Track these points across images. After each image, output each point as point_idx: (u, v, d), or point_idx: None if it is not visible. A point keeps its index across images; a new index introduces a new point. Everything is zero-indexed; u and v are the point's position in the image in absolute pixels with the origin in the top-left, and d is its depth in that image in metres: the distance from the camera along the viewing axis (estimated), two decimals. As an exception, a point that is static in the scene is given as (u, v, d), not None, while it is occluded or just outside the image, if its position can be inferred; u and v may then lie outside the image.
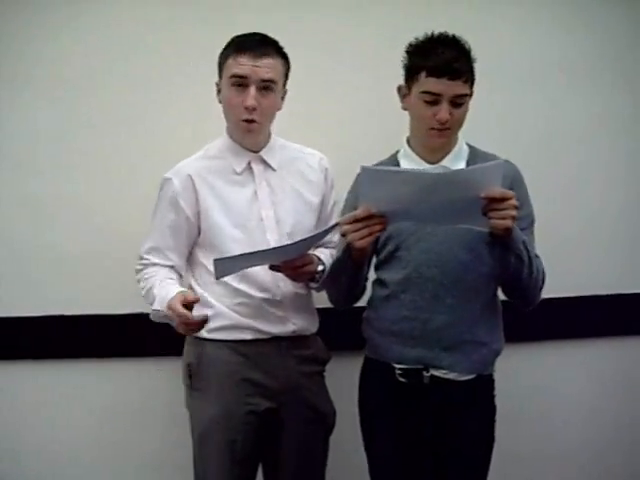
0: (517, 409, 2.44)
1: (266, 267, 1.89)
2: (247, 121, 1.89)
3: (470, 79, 1.85)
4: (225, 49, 1.92)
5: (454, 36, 1.87)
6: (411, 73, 1.87)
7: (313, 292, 2.04)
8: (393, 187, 1.62)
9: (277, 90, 1.91)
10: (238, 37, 1.92)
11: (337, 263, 1.87)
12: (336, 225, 1.76)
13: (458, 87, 1.81)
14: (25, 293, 2.31)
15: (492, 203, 1.63)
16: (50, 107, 2.30)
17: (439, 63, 1.80)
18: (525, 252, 1.77)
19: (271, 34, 1.94)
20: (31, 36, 2.29)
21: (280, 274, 1.90)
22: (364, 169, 1.63)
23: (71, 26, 2.30)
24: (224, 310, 1.92)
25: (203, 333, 1.91)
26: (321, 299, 2.07)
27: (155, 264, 1.95)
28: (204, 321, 1.77)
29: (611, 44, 2.47)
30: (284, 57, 1.92)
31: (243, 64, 1.85)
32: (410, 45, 1.89)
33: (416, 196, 1.62)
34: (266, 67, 1.86)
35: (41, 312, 2.29)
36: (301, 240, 1.81)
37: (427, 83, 1.82)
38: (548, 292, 2.09)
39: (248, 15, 2.28)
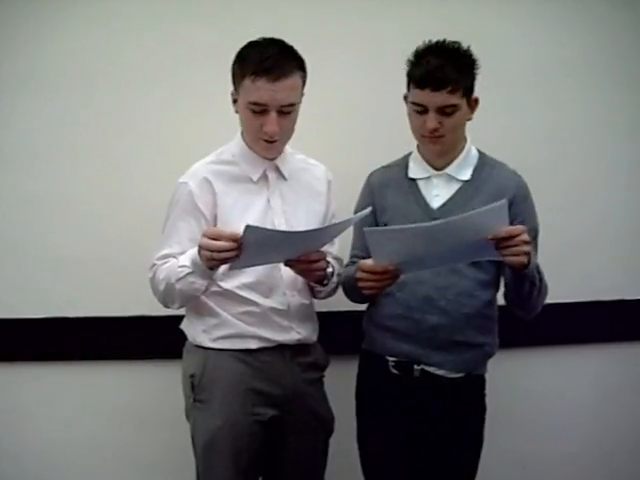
0: (518, 414, 2.46)
1: (272, 275, 1.89)
2: (267, 141, 1.87)
3: (460, 88, 1.83)
4: (240, 63, 1.84)
5: (449, 44, 1.86)
6: (407, 83, 1.91)
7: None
8: (401, 242, 1.67)
9: (297, 108, 1.87)
10: (252, 48, 1.84)
11: (350, 281, 1.90)
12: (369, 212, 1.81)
13: (442, 97, 1.81)
14: (26, 295, 2.31)
15: (502, 242, 1.65)
16: (50, 107, 2.29)
17: (422, 73, 1.82)
18: (537, 276, 1.81)
19: (273, 35, 1.91)
20: (31, 35, 2.27)
21: (289, 277, 1.90)
22: (369, 231, 1.67)
23: (72, 24, 2.29)
24: (229, 319, 1.90)
25: (206, 342, 1.91)
26: (318, 303, 2.07)
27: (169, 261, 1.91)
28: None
29: (614, 45, 2.46)
30: (302, 68, 1.86)
31: (261, 89, 1.79)
32: (412, 54, 1.90)
33: (426, 245, 1.67)
34: (286, 91, 1.80)
35: (42, 314, 2.29)
36: (333, 224, 1.83)
37: (414, 94, 1.86)
38: (550, 298, 2.09)
39: (252, 14, 2.27)
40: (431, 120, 1.83)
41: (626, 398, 2.51)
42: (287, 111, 1.84)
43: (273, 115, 1.82)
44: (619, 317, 2.47)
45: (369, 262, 1.76)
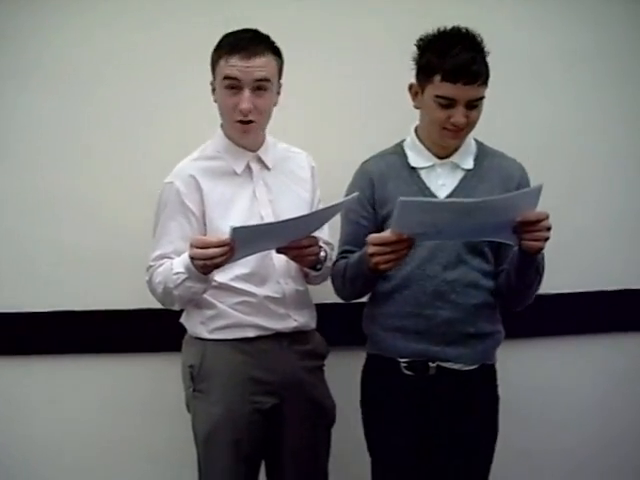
0: (522, 404, 2.44)
1: (265, 265, 1.91)
2: (243, 122, 1.89)
3: (486, 80, 1.80)
4: (216, 49, 1.90)
5: (468, 32, 1.80)
6: (425, 73, 1.82)
7: (310, 287, 2.05)
8: (430, 215, 1.63)
9: (272, 88, 1.90)
10: (228, 35, 1.90)
11: (355, 268, 1.86)
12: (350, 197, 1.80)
13: (473, 91, 1.77)
14: (32, 289, 2.33)
15: (526, 225, 1.65)
16: (56, 103, 2.31)
17: (455, 67, 1.74)
18: (542, 263, 1.80)
19: (266, 27, 1.92)
20: (35, 31, 2.29)
21: (281, 266, 1.92)
22: (403, 202, 1.59)
23: (76, 21, 2.31)
24: (225, 309, 1.92)
25: (204, 334, 1.93)
26: (319, 295, 2.10)
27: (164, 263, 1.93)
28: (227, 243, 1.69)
29: (612, 40, 2.45)
30: (277, 53, 1.91)
31: (234, 65, 1.84)
32: (422, 40, 1.84)
33: (452, 220, 1.64)
34: (259, 67, 1.84)
35: (48, 308, 2.31)
36: (320, 210, 1.84)
37: (442, 87, 1.77)
38: (553, 288, 2.08)
39: (247, 11, 2.26)
40: (460, 114, 1.78)
41: (630, 388, 2.50)
42: (261, 86, 1.86)
43: (247, 93, 1.85)
44: (623, 307, 2.46)
45: (380, 234, 1.70)
